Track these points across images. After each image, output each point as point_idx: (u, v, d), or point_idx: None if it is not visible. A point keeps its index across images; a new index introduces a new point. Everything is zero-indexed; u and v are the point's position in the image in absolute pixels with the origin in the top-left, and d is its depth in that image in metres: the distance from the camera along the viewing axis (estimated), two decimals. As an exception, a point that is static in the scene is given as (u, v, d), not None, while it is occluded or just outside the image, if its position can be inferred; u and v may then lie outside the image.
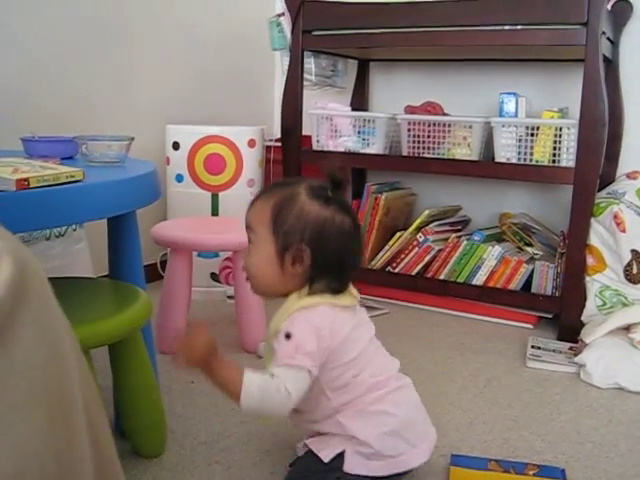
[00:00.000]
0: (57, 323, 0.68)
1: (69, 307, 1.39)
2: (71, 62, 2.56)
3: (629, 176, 2.62)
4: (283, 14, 2.91)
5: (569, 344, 2.35)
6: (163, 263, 2.69)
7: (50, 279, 1.71)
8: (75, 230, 2.47)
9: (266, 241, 1.33)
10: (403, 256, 2.83)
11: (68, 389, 0.66)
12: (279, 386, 1.25)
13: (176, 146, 2.81)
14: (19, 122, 2.02)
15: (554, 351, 2.29)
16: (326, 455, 1.37)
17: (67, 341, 0.69)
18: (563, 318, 2.48)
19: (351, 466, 1.35)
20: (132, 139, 1.63)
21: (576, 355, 2.18)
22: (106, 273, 1.71)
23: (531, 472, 1.54)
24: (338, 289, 1.35)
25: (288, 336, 1.29)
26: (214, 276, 2.81)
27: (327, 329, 1.30)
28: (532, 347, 2.32)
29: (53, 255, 2.36)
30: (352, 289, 1.41)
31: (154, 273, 2.85)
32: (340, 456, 1.36)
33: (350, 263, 1.37)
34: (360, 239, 1.41)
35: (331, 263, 1.32)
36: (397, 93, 3.25)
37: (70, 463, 0.64)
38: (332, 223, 1.32)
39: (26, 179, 1.16)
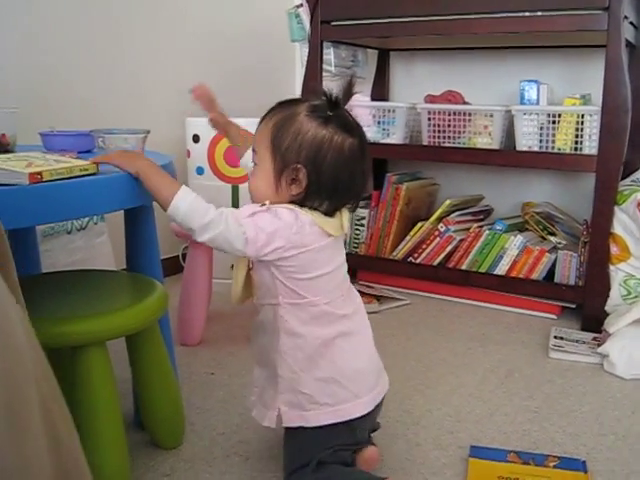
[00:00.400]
0: (6, 315, 0.65)
1: (85, 299, 1.42)
2: (91, 57, 2.57)
3: (654, 163, 2.58)
4: (302, 5, 2.90)
5: (593, 334, 2.32)
6: (185, 256, 2.70)
7: (66, 272, 1.72)
8: (96, 224, 2.49)
9: (266, 162, 1.30)
10: (424, 246, 2.81)
11: (18, 384, 0.63)
12: (215, 213, 1.24)
13: (196, 139, 2.81)
14: (39, 118, 2.03)
15: (577, 341, 2.26)
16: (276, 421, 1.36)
17: (19, 334, 0.65)
18: (586, 308, 2.45)
19: (288, 419, 1.34)
20: (148, 132, 1.63)
21: (599, 345, 2.15)
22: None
23: (551, 464, 1.53)
24: (329, 212, 1.31)
25: (263, 204, 1.27)
26: (235, 268, 2.81)
27: (293, 234, 1.26)
28: (555, 337, 2.29)
29: (74, 249, 2.38)
30: (344, 220, 1.35)
31: (176, 266, 2.86)
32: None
33: (347, 186, 1.31)
34: (363, 162, 1.33)
35: (327, 184, 1.28)
36: (417, 82, 3.23)
37: (18, 461, 0.61)
38: (330, 143, 1.27)
39: (39, 173, 1.17)
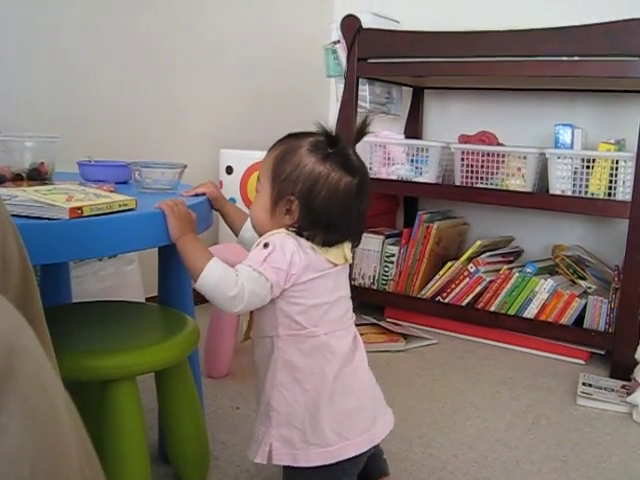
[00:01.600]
0: (52, 407, 0.62)
1: (116, 332, 1.43)
2: (128, 88, 2.61)
3: (688, 211, 2.56)
4: (339, 41, 2.93)
5: (622, 382, 2.30)
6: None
7: (98, 302, 1.73)
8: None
9: (266, 190, 1.33)
10: (453, 286, 2.80)
11: (65, 477, 0.61)
12: (237, 280, 1.25)
13: (229, 170, 2.84)
14: (78, 147, 2.06)
15: (606, 389, 2.24)
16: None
17: (65, 423, 0.63)
18: (616, 355, 2.42)
19: (279, 456, 1.32)
20: (185, 167, 1.65)
21: (629, 394, 2.13)
22: (156, 294, 1.72)
23: (578, 516, 1.51)
24: (326, 243, 1.31)
25: (266, 245, 1.28)
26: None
27: (301, 259, 1.27)
28: (583, 384, 2.27)
29: (105, 276, 2.40)
30: (347, 251, 1.35)
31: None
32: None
33: (340, 224, 1.31)
34: (360, 201, 1.33)
35: (319, 220, 1.29)
36: (451, 122, 3.24)
37: None
38: (326, 179, 1.28)
39: (79, 207, 1.18)
